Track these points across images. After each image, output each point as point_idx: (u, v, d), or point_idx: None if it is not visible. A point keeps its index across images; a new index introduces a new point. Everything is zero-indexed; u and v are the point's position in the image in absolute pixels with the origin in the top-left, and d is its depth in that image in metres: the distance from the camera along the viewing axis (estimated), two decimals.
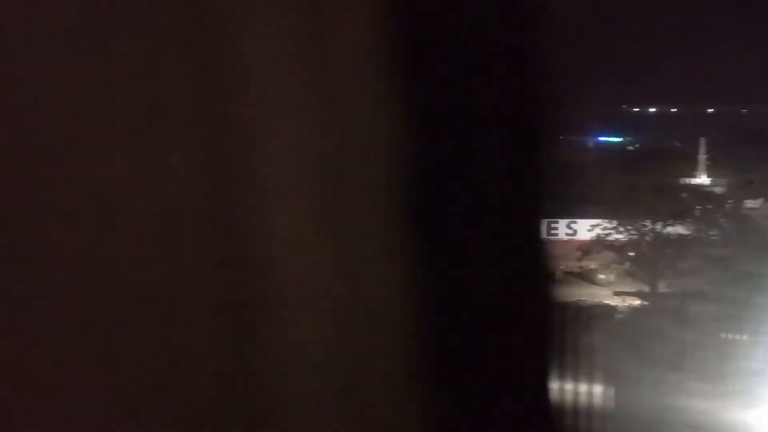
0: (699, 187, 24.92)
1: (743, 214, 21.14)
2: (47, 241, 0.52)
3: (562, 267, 25.58)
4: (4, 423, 0.52)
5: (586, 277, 25.93)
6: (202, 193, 0.54)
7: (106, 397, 0.55)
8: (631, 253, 21.30)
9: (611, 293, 24.04)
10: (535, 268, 0.69)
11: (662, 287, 19.07)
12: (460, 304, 0.63)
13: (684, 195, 23.11)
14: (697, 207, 21.25)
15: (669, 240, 21.08)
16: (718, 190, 27.06)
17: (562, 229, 24.45)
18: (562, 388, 0.79)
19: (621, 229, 21.86)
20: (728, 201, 21.95)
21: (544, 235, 0.71)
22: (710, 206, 21.21)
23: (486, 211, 0.65)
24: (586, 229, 24.71)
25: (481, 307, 0.64)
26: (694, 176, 27.42)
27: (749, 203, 26.80)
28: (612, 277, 25.77)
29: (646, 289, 20.45)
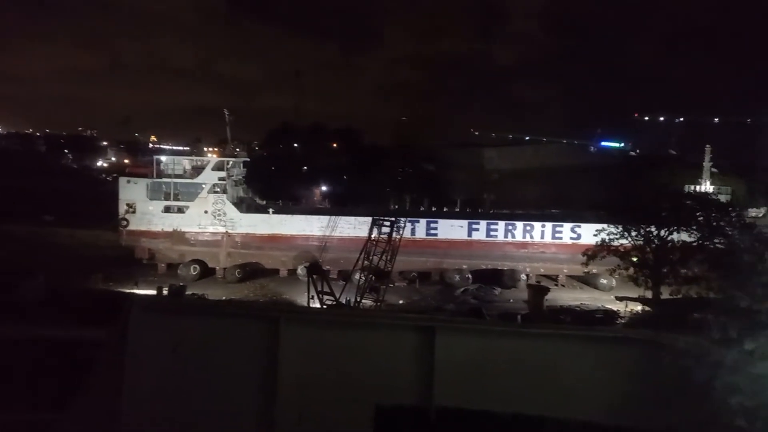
0: (703, 195, 24.86)
1: (747, 222, 21.08)
2: None
3: (565, 270, 25.44)
4: None
5: (589, 281, 25.91)
6: None
7: None
8: (634, 259, 21.27)
9: (612, 298, 24.04)
10: None
11: (665, 293, 19.01)
12: None
13: (688, 202, 23.03)
14: (700, 214, 21.20)
15: (674, 246, 21.02)
16: (722, 197, 26.94)
17: (566, 232, 24.47)
18: None
19: (626, 234, 21.82)
20: (732, 209, 21.90)
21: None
22: (714, 214, 21.14)
23: None
24: (591, 233, 24.66)
25: None
26: (699, 184, 27.39)
27: (752, 212, 26.65)
28: (614, 282, 25.80)
29: (648, 295, 20.38)
